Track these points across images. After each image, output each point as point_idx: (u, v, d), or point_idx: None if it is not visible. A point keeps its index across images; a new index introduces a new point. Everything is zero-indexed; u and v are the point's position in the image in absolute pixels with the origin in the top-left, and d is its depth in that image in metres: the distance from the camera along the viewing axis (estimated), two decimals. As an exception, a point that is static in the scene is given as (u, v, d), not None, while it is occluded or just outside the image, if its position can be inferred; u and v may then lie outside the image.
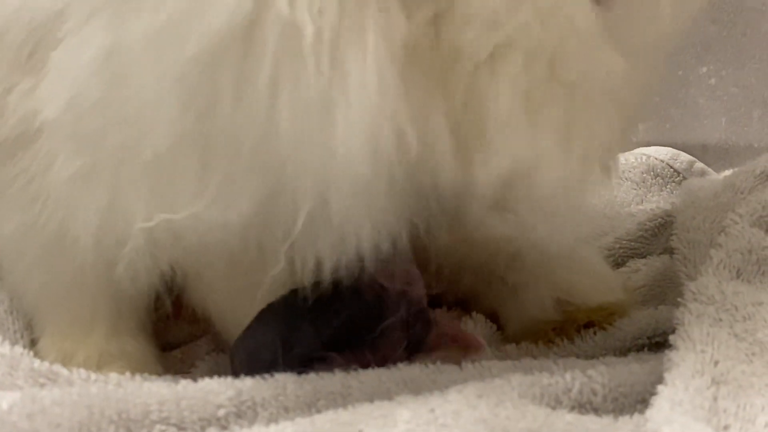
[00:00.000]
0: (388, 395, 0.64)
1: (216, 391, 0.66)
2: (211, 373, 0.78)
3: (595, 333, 0.83)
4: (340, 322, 0.70)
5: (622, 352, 0.80)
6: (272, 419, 0.65)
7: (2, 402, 0.62)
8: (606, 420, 0.63)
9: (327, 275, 0.63)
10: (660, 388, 0.62)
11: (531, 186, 0.61)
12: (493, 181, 0.60)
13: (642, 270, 0.96)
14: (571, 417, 0.62)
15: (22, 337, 0.83)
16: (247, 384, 0.66)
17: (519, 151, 0.59)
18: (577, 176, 0.62)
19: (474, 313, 0.87)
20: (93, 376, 0.74)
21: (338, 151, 0.55)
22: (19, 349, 0.78)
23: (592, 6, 0.59)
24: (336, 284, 0.66)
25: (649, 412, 0.60)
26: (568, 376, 0.66)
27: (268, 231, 0.62)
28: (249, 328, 0.72)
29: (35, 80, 0.69)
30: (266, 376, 0.67)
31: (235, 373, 0.71)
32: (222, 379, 0.67)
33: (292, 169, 0.57)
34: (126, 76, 0.60)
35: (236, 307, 0.74)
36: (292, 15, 0.54)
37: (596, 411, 0.65)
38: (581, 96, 0.60)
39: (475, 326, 0.85)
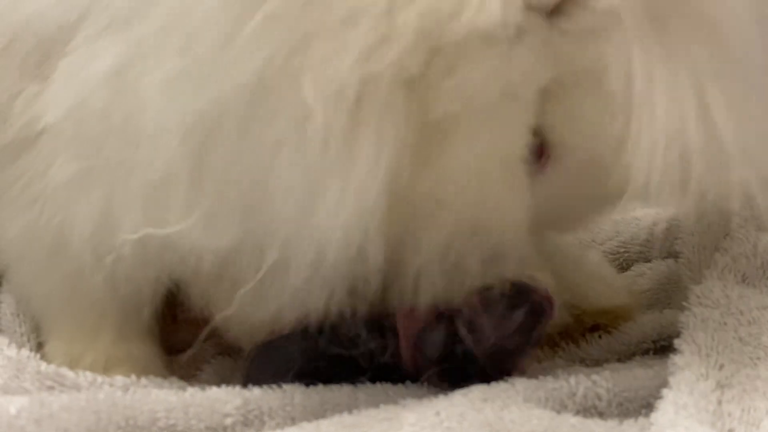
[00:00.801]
0: (395, 405, 0.65)
1: (223, 399, 0.66)
2: (216, 377, 0.79)
3: (600, 337, 0.83)
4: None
5: (627, 356, 0.80)
6: (279, 428, 0.65)
7: (10, 407, 0.63)
8: (611, 423, 0.63)
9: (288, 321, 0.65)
10: (665, 391, 0.62)
11: None
12: None
13: (647, 274, 0.96)
14: (575, 420, 0.62)
15: (28, 340, 0.83)
16: (254, 393, 0.67)
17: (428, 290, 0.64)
18: None
19: None
20: (99, 379, 0.74)
21: (313, 229, 0.58)
22: (25, 352, 0.78)
23: (528, 193, 0.63)
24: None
25: (654, 416, 0.60)
26: (572, 380, 0.66)
27: (236, 266, 0.63)
28: (267, 349, 0.73)
29: (41, 87, 0.70)
30: (273, 386, 0.67)
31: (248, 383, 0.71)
32: (229, 388, 0.68)
33: (270, 222, 0.59)
34: (133, 95, 0.61)
35: (240, 313, 0.74)
36: (308, 95, 0.56)
37: (601, 415, 0.65)
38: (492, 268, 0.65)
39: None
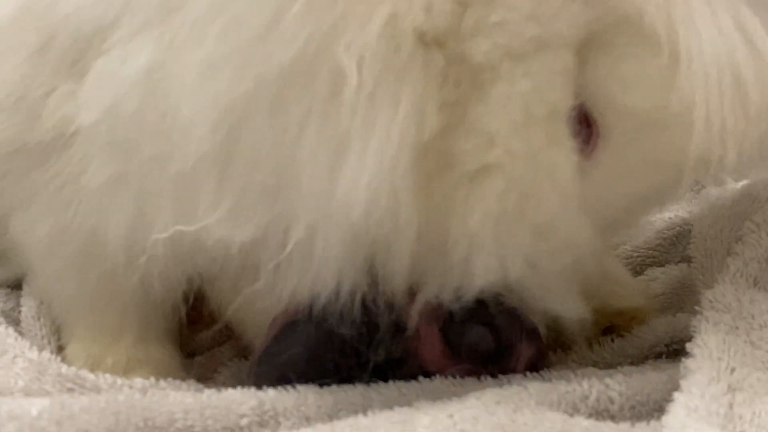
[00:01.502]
0: (408, 406, 0.65)
1: (239, 400, 0.67)
2: (233, 379, 0.80)
3: (612, 340, 0.83)
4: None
5: (640, 359, 0.80)
6: (294, 429, 0.66)
7: (32, 408, 0.63)
8: (623, 426, 0.63)
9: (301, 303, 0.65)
10: (676, 395, 0.63)
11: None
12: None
13: (660, 278, 0.97)
14: (588, 423, 0.63)
15: (49, 342, 0.84)
16: (269, 394, 0.67)
17: (480, 270, 0.63)
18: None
19: None
20: (119, 381, 0.75)
21: (336, 195, 0.58)
22: (46, 354, 0.79)
23: (576, 164, 0.63)
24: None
25: (665, 419, 0.61)
26: (585, 383, 0.66)
27: (262, 248, 0.64)
28: (272, 342, 0.73)
29: (75, 86, 0.70)
30: (288, 387, 0.68)
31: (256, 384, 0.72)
32: (245, 389, 0.68)
33: (295, 198, 0.60)
34: (166, 92, 0.62)
35: (254, 314, 0.75)
36: (343, 59, 0.57)
37: (613, 418, 0.65)
38: (544, 241, 0.63)
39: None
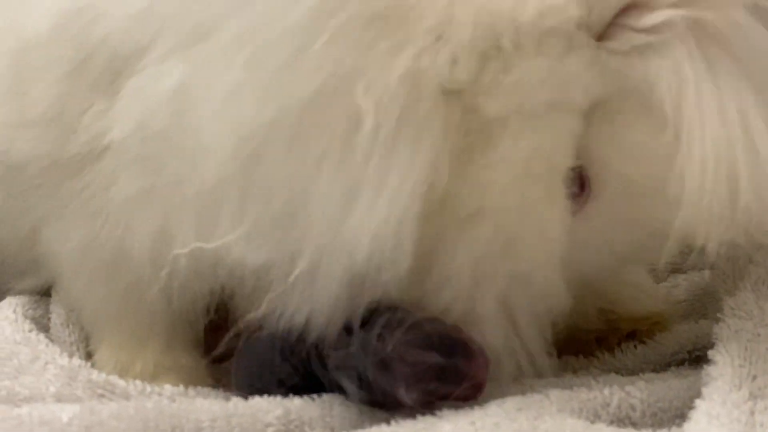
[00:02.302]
0: (431, 415, 0.65)
1: (265, 409, 0.67)
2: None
3: (635, 347, 0.83)
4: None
5: (662, 366, 0.80)
6: (319, 438, 0.66)
7: (62, 414, 0.65)
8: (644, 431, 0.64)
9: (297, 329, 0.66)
10: (698, 402, 0.63)
11: None
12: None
13: (682, 285, 0.97)
14: (609, 430, 0.63)
15: (78, 349, 0.86)
16: (295, 403, 0.68)
17: (458, 306, 0.65)
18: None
19: None
20: (148, 387, 0.76)
21: (343, 236, 0.59)
22: (77, 360, 0.80)
23: (567, 222, 0.65)
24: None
25: (687, 426, 0.61)
26: (606, 391, 0.67)
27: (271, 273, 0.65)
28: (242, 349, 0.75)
29: (110, 103, 0.72)
30: (314, 396, 0.69)
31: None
32: (271, 398, 0.69)
33: (305, 230, 0.61)
34: (192, 113, 0.63)
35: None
36: (361, 101, 0.58)
37: (635, 425, 0.66)
38: (519, 288, 0.65)
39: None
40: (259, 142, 0.61)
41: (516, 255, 0.64)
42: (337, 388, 0.68)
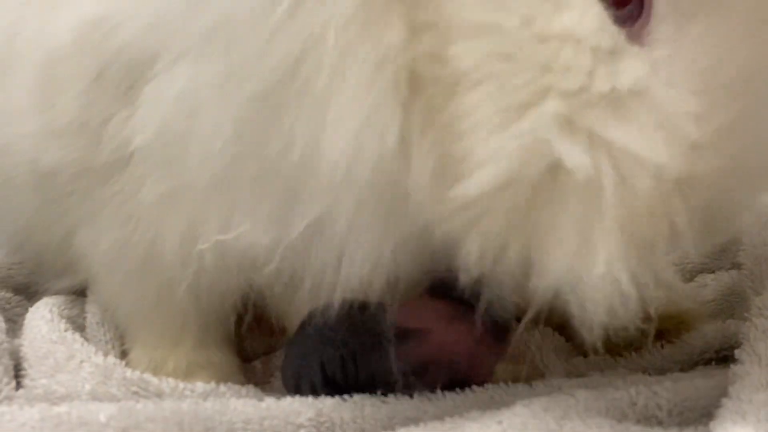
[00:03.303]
0: (461, 418, 0.66)
1: (297, 411, 0.68)
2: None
3: (662, 346, 0.84)
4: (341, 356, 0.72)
5: (689, 365, 0.81)
6: (350, 439, 0.67)
7: (100, 414, 0.66)
8: (671, 430, 0.64)
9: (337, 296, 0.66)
10: (724, 400, 0.64)
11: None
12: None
13: (710, 285, 0.97)
14: (636, 429, 0.64)
15: (113, 347, 0.87)
16: (327, 404, 0.69)
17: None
18: None
19: (541, 327, 0.87)
20: (181, 385, 0.77)
21: (326, 152, 0.59)
22: (112, 359, 0.82)
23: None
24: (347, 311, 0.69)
25: (713, 424, 0.62)
26: (633, 390, 0.67)
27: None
28: (291, 344, 0.76)
29: (130, 111, 0.73)
30: (346, 397, 0.70)
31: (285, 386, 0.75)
32: (303, 399, 0.70)
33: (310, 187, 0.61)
34: (197, 111, 0.64)
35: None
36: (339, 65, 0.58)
37: (661, 424, 0.66)
38: None
39: (543, 340, 0.85)
40: (254, 120, 0.62)
41: None
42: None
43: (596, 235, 0.58)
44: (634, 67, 0.57)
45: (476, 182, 0.58)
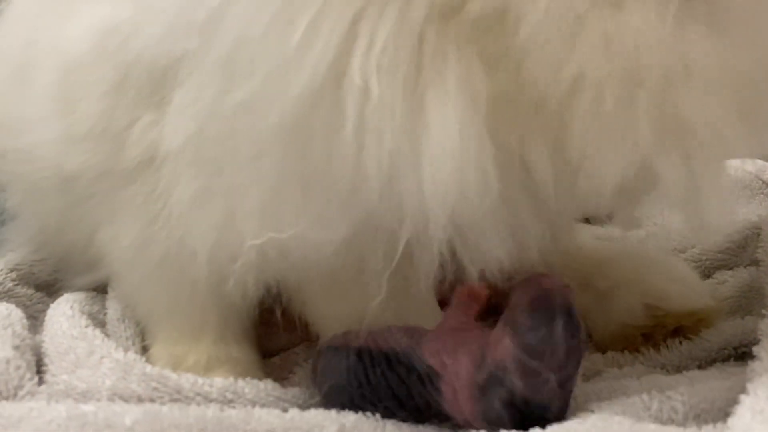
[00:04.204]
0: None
1: (321, 424, 0.69)
2: (307, 380, 0.82)
3: (681, 343, 0.84)
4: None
5: (708, 362, 0.81)
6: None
7: (126, 417, 0.67)
8: (689, 430, 0.64)
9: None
10: (742, 397, 0.64)
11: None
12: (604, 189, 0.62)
13: (729, 281, 0.96)
14: (654, 427, 0.64)
15: (133, 343, 0.87)
16: (350, 419, 0.69)
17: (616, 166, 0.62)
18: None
19: None
20: (200, 380, 0.77)
21: (427, 190, 0.60)
22: (132, 354, 0.82)
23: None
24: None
25: (731, 421, 0.62)
26: (645, 396, 0.66)
27: (368, 254, 0.66)
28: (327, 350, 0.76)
29: (156, 115, 0.75)
30: (368, 413, 0.70)
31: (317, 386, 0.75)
32: (327, 412, 0.70)
33: (386, 204, 0.61)
34: (232, 128, 0.65)
35: (335, 318, 0.77)
36: (362, 79, 0.59)
37: (679, 425, 0.66)
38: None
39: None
40: (300, 140, 0.62)
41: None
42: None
43: None
44: None
45: None
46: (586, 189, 0.62)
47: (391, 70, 0.59)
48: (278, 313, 0.81)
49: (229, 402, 0.75)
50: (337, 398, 0.73)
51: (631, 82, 0.60)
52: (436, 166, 0.59)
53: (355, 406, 0.71)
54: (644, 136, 0.60)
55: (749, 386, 0.65)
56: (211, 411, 0.69)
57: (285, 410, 0.71)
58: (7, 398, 0.75)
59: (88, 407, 0.68)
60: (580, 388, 0.70)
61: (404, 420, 0.70)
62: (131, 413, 0.67)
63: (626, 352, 0.85)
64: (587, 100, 0.60)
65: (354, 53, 0.59)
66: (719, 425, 0.64)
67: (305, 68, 0.60)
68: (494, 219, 0.62)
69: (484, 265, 0.64)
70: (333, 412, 0.70)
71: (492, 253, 0.63)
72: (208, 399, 0.75)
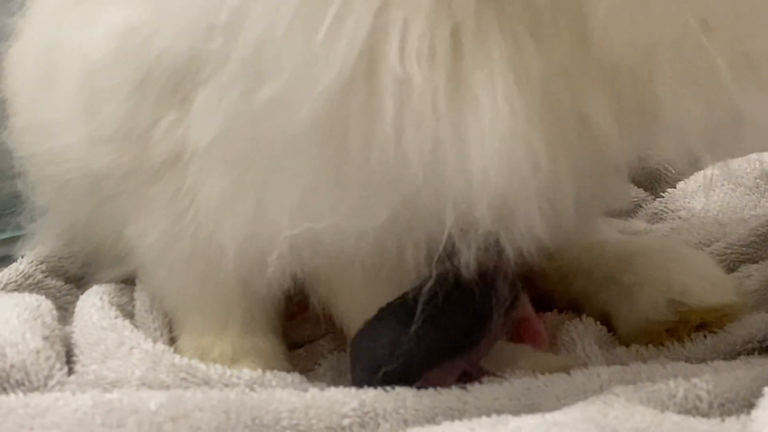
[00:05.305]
0: (502, 409, 0.67)
1: (341, 401, 0.69)
2: (333, 371, 0.83)
3: (705, 336, 0.84)
4: (447, 329, 0.73)
5: (732, 355, 0.81)
6: (392, 431, 0.68)
7: (150, 402, 0.67)
8: (713, 421, 0.64)
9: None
10: (766, 390, 0.64)
11: None
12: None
13: (754, 275, 0.96)
14: (678, 418, 0.64)
15: (161, 335, 0.88)
16: (369, 395, 0.70)
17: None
18: None
19: (584, 317, 0.89)
20: (228, 372, 0.78)
21: (474, 171, 0.60)
22: (161, 345, 0.83)
23: None
24: (448, 285, 0.70)
25: (755, 413, 0.62)
26: (671, 383, 0.67)
27: (409, 240, 0.67)
28: (367, 326, 0.76)
29: (180, 114, 0.76)
30: (388, 388, 0.71)
31: (353, 370, 0.75)
32: (347, 390, 0.71)
33: (429, 189, 0.61)
34: (261, 125, 0.65)
35: (363, 309, 0.78)
36: (402, 68, 0.59)
37: (703, 415, 0.66)
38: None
39: (586, 330, 0.86)
40: (336, 132, 0.62)
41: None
42: None
43: None
44: None
45: None
46: (667, 138, 0.64)
47: (431, 55, 0.59)
48: (306, 304, 0.82)
49: (256, 393, 0.76)
50: (368, 371, 0.73)
51: (705, 28, 0.61)
52: (484, 148, 0.59)
53: (386, 377, 0.72)
54: (724, 76, 0.61)
55: (773, 378, 0.65)
56: (234, 394, 0.70)
57: (305, 390, 0.72)
58: (37, 388, 0.76)
59: (113, 395, 0.69)
60: (605, 369, 0.70)
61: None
62: (156, 398, 0.68)
63: (650, 345, 0.85)
64: (667, 60, 0.61)
65: (388, 42, 0.60)
66: (743, 417, 0.64)
67: (333, 62, 0.60)
68: (539, 197, 0.63)
69: (524, 245, 0.65)
70: (353, 390, 0.71)
71: (532, 231, 0.64)
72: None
